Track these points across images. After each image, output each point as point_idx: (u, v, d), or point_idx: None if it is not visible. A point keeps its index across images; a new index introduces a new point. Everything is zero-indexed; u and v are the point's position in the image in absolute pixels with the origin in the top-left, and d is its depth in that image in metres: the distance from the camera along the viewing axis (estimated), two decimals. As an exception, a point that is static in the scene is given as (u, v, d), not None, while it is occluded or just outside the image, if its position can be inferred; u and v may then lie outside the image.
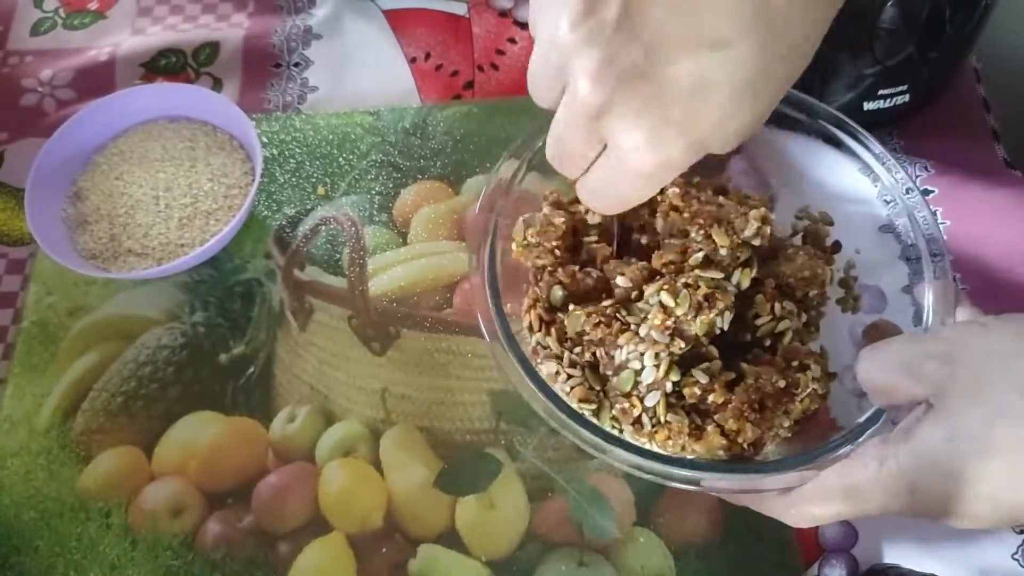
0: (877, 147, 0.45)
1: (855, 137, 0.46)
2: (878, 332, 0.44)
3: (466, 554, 0.49)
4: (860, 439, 0.37)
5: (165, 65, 0.67)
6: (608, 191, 0.36)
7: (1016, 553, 0.48)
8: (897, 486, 0.34)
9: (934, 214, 0.44)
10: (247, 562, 0.49)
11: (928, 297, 0.41)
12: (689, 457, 0.39)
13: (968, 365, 0.33)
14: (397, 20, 0.69)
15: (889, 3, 0.50)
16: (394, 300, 0.57)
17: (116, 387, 0.54)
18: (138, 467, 0.52)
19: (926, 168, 0.59)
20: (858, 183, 0.57)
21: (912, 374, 0.34)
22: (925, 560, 0.47)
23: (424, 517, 0.50)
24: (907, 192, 0.44)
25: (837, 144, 0.46)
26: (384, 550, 0.50)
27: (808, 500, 0.37)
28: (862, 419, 0.38)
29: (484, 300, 0.42)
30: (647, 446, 0.40)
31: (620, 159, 0.34)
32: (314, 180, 0.62)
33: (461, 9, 0.70)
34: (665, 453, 0.39)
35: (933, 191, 0.58)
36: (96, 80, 0.66)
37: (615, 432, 0.40)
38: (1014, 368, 0.32)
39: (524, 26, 0.69)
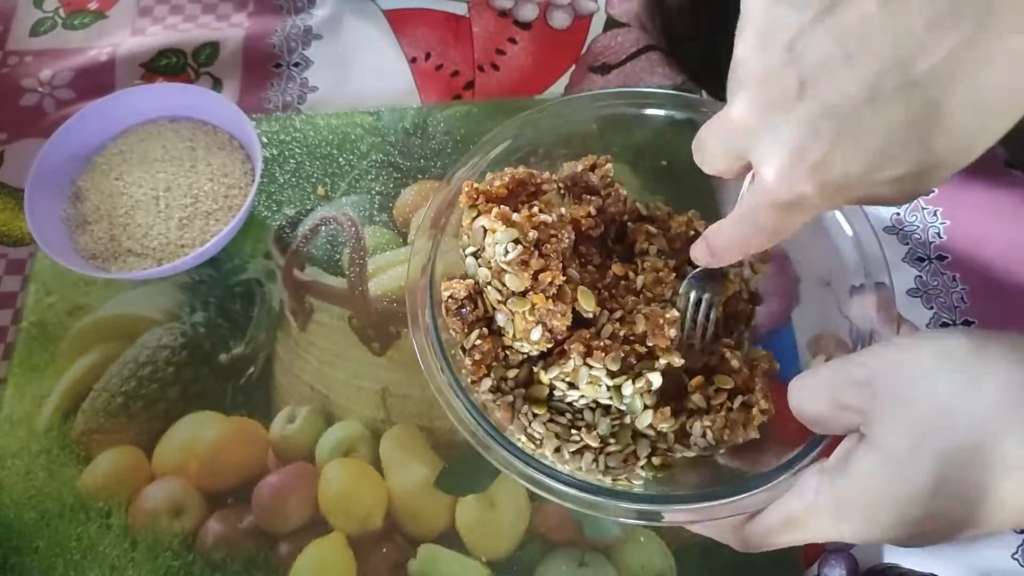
0: None
1: None
2: (819, 346, 0.44)
3: (466, 554, 0.49)
4: (804, 463, 0.38)
5: (165, 65, 0.67)
6: (739, 227, 0.37)
7: (1016, 553, 0.48)
8: (833, 515, 0.34)
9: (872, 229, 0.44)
10: (247, 562, 0.49)
11: (869, 311, 0.42)
12: (647, 492, 0.41)
13: (888, 388, 0.33)
14: (397, 20, 0.69)
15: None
16: (394, 300, 0.57)
17: (116, 387, 0.54)
18: (138, 467, 0.52)
19: (926, 168, 0.59)
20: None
21: (838, 404, 0.34)
22: (925, 560, 0.47)
23: (424, 517, 0.50)
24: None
25: None
26: (384, 550, 0.49)
27: (750, 529, 0.38)
28: (806, 445, 0.39)
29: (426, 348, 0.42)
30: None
31: (759, 187, 0.34)
32: (314, 180, 0.62)
33: (461, 9, 0.70)
34: (618, 488, 0.40)
35: (933, 191, 0.58)
36: (96, 80, 0.67)
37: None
38: (929, 385, 0.32)
39: (524, 26, 0.69)
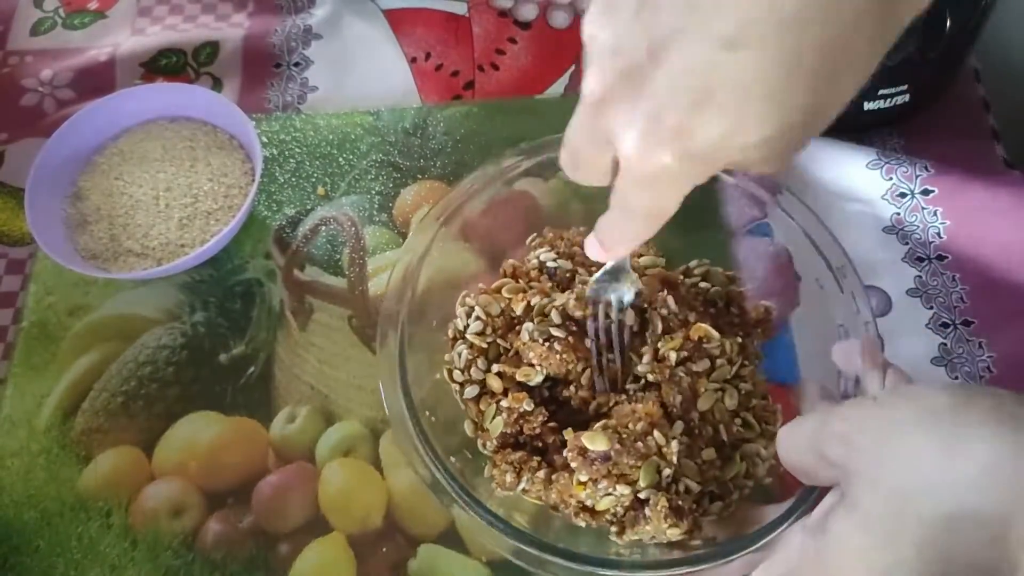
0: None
1: None
2: (805, 394, 0.44)
3: (466, 554, 0.49)
4: (788, 521, 0.37)
5: (165, 65, 0.67)
6: (615, 214, 0.35)
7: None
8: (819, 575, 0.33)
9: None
10: (247, 562, 0.49)
11: (854, 357, 0.41)
12: (633, 558, 0.40)
13: (865, 447, 0.32)
14: (397, 20, 0.69)
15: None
16: (394, 300, 0.57)
17: (116, 387, 0.54)
18: (138, 467, 0.52)
19: (926, 168, 0.59)
20: (862, 181, 0.57)
21: (821, 457, 0.34)
22: None
23: (424, 517, 0.50)
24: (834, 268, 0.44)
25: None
26: (384, 550, 0.50)
27: None
28: (791, 502, 0.38)
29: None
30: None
31: (622, 165, 0.31)
32: (314, 180, 0.62)
33: (461, 9, 0.70)
34: (616, 558, 0.40)
35: (933, 191, 0.58)
36: (96, 80, 0.66)
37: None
38: (908, 447, 0.31)
39: (524, 26, 0.69)
